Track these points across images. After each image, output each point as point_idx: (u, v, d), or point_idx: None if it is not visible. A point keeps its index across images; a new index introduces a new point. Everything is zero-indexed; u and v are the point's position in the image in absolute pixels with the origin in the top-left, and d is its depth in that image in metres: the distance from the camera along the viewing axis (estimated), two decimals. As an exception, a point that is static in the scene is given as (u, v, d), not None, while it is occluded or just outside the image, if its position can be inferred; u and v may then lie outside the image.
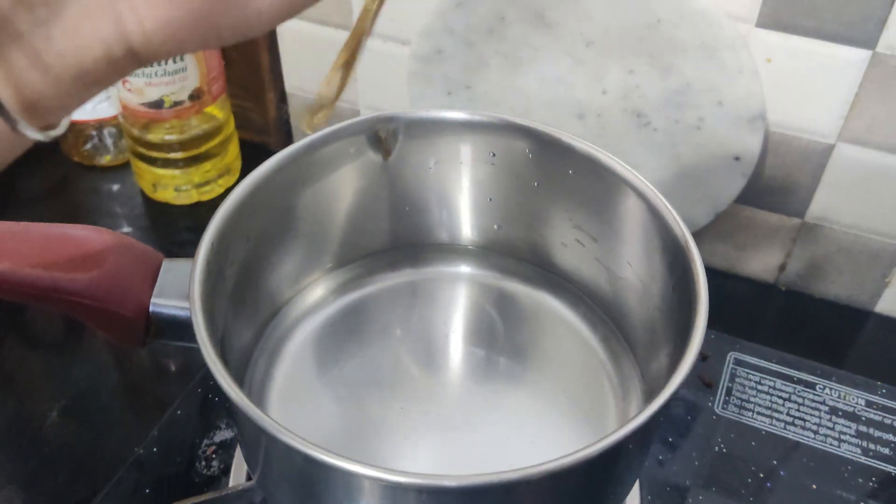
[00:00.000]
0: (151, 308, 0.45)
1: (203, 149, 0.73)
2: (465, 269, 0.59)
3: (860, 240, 0.67)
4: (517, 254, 0.58)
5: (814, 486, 0.53)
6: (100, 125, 0.77)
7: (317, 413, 0.50)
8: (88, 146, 0.78)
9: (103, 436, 0.58)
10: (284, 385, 0.51)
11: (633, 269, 0.51)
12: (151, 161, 0.73)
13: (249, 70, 0.77)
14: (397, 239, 0.58)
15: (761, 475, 0.54)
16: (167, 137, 0.72)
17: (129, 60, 0.30)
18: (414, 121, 0.52)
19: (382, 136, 0.52)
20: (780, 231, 0.69)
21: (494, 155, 0.54)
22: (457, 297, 0.58)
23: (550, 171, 0.52)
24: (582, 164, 0.50)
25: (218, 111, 0.73)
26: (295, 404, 0.50)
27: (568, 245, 0.55)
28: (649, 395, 0.49)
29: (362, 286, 0.57)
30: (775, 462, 0.55)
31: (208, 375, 0.56)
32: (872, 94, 0.60)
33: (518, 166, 0.53)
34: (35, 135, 0.30)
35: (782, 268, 0.71)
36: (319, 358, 0.53)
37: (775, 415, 0.57)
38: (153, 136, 0.72)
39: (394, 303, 0.57)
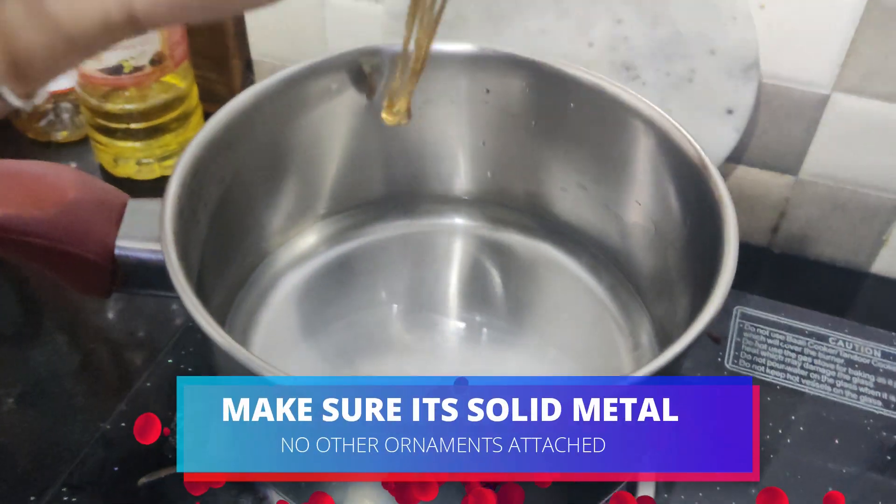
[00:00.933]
0: (117, 251, 0.40)
1: (165, 118, 0.68)
2: (459, 220, 0.54)
3: (856, 196, 0.64)
4: (514, 203, 0.53)
5: (836, 441, 0.49)
6: (55, 99, 0.72)
7: (299, 365, 0.45)
8: (43, 122, 0.72)
9: (66, 419, 0.52)
10: (266, 345, 0.46)
11: (641, 209, 0.46)
12: (111, 133, 0.68)
13: (213, 38, 0.72)
14: (391, 188, 0.53)
15: (780, 431, 0.50)
16: (127, 106, 0.66)
17: (126, 27, 0.27)
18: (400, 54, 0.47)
19: (367, 70, 0.47)
20: (773, 190, 0.65)
21: (488, 92, 0.49)
22: (452, 250, 0.53)
23: (549, 107, 0.48)
24: (584, 95, 0.46)
25: (179, 80, 0.68)
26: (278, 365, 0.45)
27: (568, 190, 0.50)
28: (665, 342, 0.44)
29: (353, 238, 0.52)
30: (793, 418, 0.50)
31: (179, 343, 0.51)
32: (870, 38, 0.57)
33: (514, 104, 0.49)
34: (14, 100, 0.28)
35: (775, 229, 0.67)
36: (305, 316, 0.48)
37: (789, 369, 0.53)
38: (112, 106, 0.66)
39: (386, 256, 0.52)
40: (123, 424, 0.49)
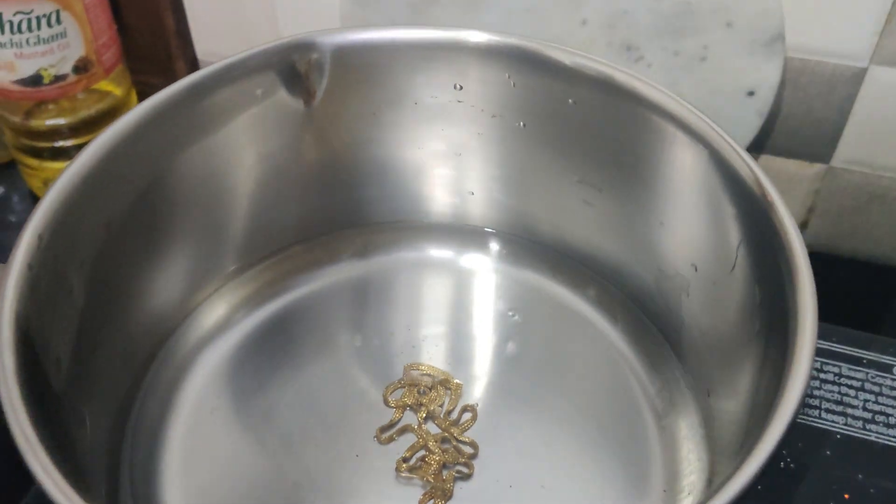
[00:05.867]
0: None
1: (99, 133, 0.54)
2: (431, 252, 0.39)
3: (897, 184, 0.51)
4: (499, 226, 0.39)
5: (919, 507, 0.36)
6: (-24, 117, 0.58)
7: (234, 477, 0.31)
8: (-35, 144, 0.58)
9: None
10: (185, 443, 0.32)
11: (666, 230, 0.33)
12: (38, 153, 0.54)
13: (152, 37, 0.58)
14: (333, 220, 0.39)
15: (846, 496, 0.36)
16: (53, 122, 0.53)
17: None
18: (345, 47, 0.33)
19: (301, 70, 0.33)
20: (801, 181, 0.52)
21: (461, 89, 0.35)
22: (421, 293, 0.39)
23: (543, 105, 0.34)
24: (588, 89, 0.32)
25: (114, 87, 0.54)
26: (201, 469, 0.31)
27: (569, 208, 0.36)
28: (705, 403, 0.31)
29: (290, 289, 0.38)
30: (861, 476, 0.37)
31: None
32: (915, -1, 0.44)
33: (497, 102, 0.35)
34: None
35: (804, 225, 0.54)
36: (234, 398, 0.34)
37: (849, 411, 0.39)
38: (36, 123, 0.53)
39: (334, 309, 0.37)
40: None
